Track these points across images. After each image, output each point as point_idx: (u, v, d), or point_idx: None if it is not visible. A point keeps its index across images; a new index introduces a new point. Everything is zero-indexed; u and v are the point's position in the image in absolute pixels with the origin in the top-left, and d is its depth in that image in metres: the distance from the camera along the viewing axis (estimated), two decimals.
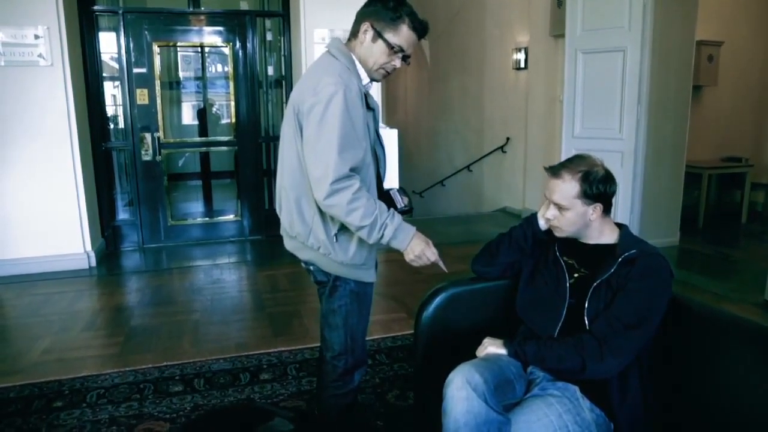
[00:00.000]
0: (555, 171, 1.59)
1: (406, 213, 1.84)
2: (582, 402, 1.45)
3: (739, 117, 6.33)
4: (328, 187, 1.48)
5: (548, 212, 1.63)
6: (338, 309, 1.73)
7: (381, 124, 1.76)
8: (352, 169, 1.51)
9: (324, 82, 1.52)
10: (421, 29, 1.63)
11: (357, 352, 1.79)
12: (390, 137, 1.80)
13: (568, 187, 1.56)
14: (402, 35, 1.61)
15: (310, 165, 1.53)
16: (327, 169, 1.48)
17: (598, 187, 1.54)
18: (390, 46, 1.61)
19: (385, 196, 1.76)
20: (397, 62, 1.65)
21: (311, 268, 1.74)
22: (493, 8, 6.83)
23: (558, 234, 1.65)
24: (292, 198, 1.66)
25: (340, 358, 1.77)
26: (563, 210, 1.58)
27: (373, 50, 1.62)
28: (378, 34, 1.60)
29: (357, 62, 1.64)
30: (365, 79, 1.66)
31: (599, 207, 1.57)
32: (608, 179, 1.57)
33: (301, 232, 1.67)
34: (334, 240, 1.63)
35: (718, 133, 6.18)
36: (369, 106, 1.64)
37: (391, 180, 1.82)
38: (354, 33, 1.66)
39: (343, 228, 1.62)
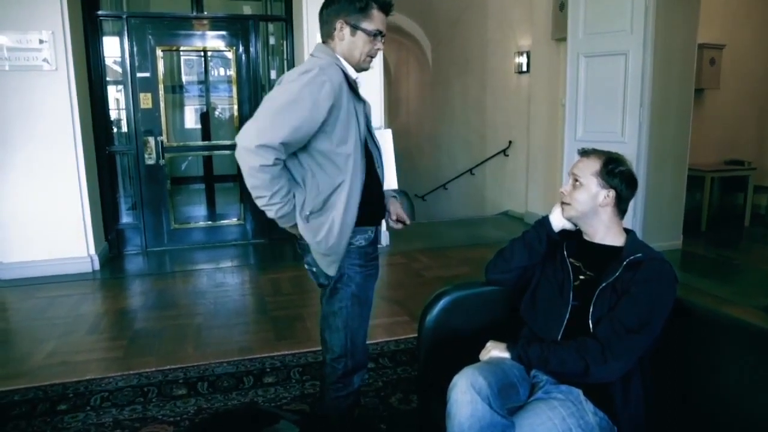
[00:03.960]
0: (587, 152, 1.67)
1: (402, 224, 1.86)
2: (585, 405, 1.45)
3: (741, 120, 6.33)
4: (254, 146, 1.50)
5: (564, 186, 1.68)
6: (339, 311, 1.74)
7: (375, 126, 1.78)
8: (284, 144, 1.53)
9: (302, 65, 1.61)
10: (387, 7, 1.70)
11: (357, 355, 1.80)
12: (384, 137, 1.81)
13: (590, 163, 1.62)
14: (375, 19, 1.67)
15: (257, 113, 1.56)
16: (264, 129, 1.51)
17: (616, 175, 1.58)
18: (369, 34, 1.67)
19: (377, 198, 1.76)
20: (379, 44, 1.72)
21: (314, 269, 1.75)
22: (495, 12, 6.85)
23: (566, 212, 1.67)
24: None
25: (340, 360, 1.78)
26: (578, 185, 1.62)
27: (356, 43, 1.68)
28: (355, 27, 1.66)
29: (341, 59, 1.68)
30: (354, 74, 1.70)
31: (612, 194, 1.59)
32: (629, 179, 1.61)
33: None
34: (306, 222, 1.65)
35: (721, 137, 6.19)
36: (359, 98, 1.68)
37: (390, 181, 1.84)
38: (329, 34, 1.70)
39: (316, 213, 1.63)
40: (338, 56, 1.68)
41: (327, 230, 1.63)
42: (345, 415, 1.85)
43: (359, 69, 1.72)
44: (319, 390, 1.95)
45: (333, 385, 1.81)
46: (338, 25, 1.66)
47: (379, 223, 1.82)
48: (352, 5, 1.64)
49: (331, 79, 1.56)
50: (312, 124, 1.55)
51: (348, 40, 1.67)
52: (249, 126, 1.54)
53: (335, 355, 1.78)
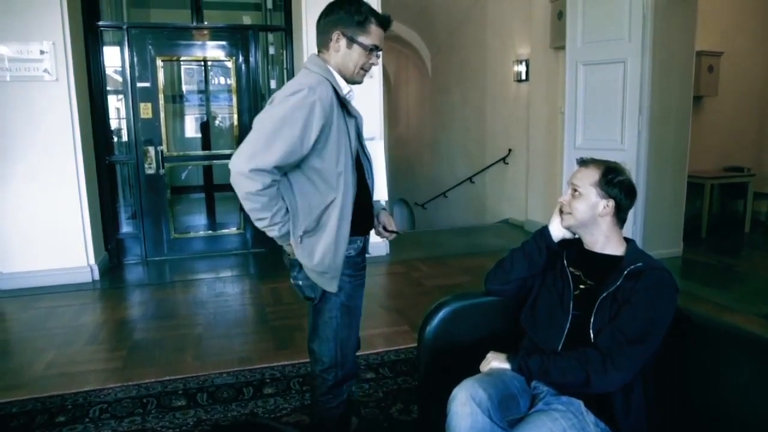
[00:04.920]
0: (585, 161, 1.67)
1: (393, 233, 1.89)
2: (586, 416, 1.44)
3: (740, 127, 6.34)
4: (247, 170, 1.50)
5: (564, 196, 1.68)
6: (329, 321, 1.75)
7: (367, 136, 1.79)
8: (277, 167, 1.54)
9: (292, 84, 1.60)
10: (386, 22, 1.69)
11: (347, 365, 1.81)
12: (375, 148, 1.83)
13: (589, 173, 1.62)
14: (373, 34, 1.67)
15: (249, 137, 1.55)
16: (256, 153, 1.51)
17: (615, 185, 1.58)
18: (366, 48, 1.66)
19: (366, 209, 1.77)
20: (374, 59, 1.71)
21: (300, 283, 1.76)
22: (494, 21, 6.88)
23: (566, 221, 1.66)
24: None
25: (330, 371, 1.79)
26: (577, 195, 1.62)
27: (351, 56, 1.67)
28: (351, 40, 1.65)
29: (334, 72, 1.67)
30: (345, 89, 1.68)
31: (611, 204, 1.59)
32: (628, 188, 1.61)
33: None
34: (299, 242, 1.65)
35: (720, 143, 6.20)
36: (350, 114, 1.67)
37: (380, 191, 1.86)
38: (324, 44, 1.69)
39: (310, 232, 1.63)
40: (331, 69, 1.66)
41: (323, 251, 1.63)
42: (337, 424, 1.85)
43: (352, 82, 1.71)
44: (311, 401, 1.94)
45: (323, 397, 1.82)
46: (335, 36, 1.65)
47: (368, 233, 1.83)
48: (350, 17, 1.63)
49: (321, 99, 1.55)
50: (304, 146, 1.55)
51: (343, 52, 1.66)
52: (241, 150, 1.54)
53: (325, 366, 1.79)
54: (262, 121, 1.56)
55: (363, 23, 1.64)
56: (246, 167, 1.50)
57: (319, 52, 1.72)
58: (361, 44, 1.65)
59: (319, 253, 1.63)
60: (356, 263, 1.76)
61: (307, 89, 1.54)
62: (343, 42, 1.65)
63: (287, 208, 1.61)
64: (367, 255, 1.84)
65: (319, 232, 1.63)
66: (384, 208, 1.92)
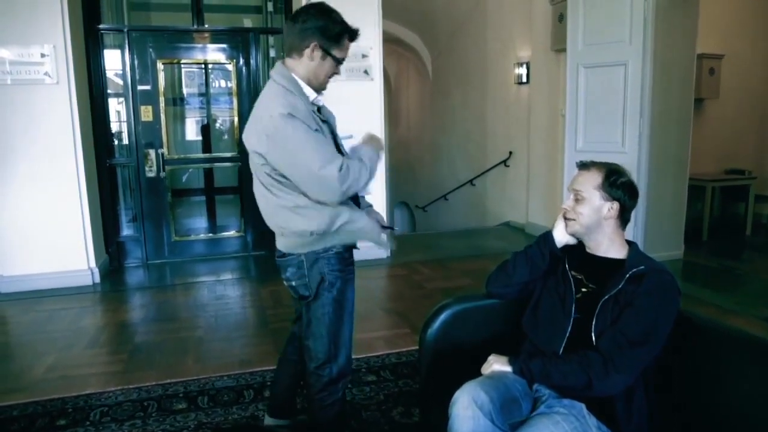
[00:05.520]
0: (585, 164, 1.66)
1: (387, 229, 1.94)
2: (588, 419, 1.44)
3: (741, 129, 6.34)
4: (336, 180, 1.59)
5: (566, 202, 1.67)
6: (321, 317, 1.78)
7: (343, 134, 1.84)
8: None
9: (274, 107, 1.63)
10: (356, 36, 1.76)
11: (341, 361, 1.82)
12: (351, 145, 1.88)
13: (591, 177, 1.61)
14: (345, 48, 1.74)
15: (303, 179, 1.63)
16: (326, 162, 1.59)
17: (618, 187, 1.58)
18: (338, 62, 1.74)
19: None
20: (338, 70, 1.79)
21: (293, 284, 1.79)
22: (495, 23, 6.89)
23: (570, 228, 1.65)
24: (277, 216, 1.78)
25: (324, 367, 1.80)
26: (580, 200, 1.61)
27: (324, 66, 1.73)
28: (326, 53, 1.70)
29: (300, 82, 1.71)
30: (312, 96, 1.74)
31: (616, 206, 1.58)
32: (631, 189, 1.61)
33: (286, 243, 1.78)
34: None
35: (721, 146, 6.19)
36: (323, 120, 1.73)
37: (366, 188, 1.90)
38: (297, 50, 1.71)
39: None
40: (297, 79, 1.71)
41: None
42: (333, 423, 1.85)
43: (320, 89, 1.77)
44: (307, 401, 1.94)
45: (318, 394, 1.83)
46: (312, 45, 1.69)
47: None
48: (328, 31, 1.68)
49: (301, 110, 1.63)
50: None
51: (317, 63, 1.71)
52: (314, 177, 1.61)
53: (319, 363, 1.80)
54: (293, 144, 1.61)
55: (339, 37, 1.70)
56: (335, 176, 1.59)
57: (288, 56, 1.74)
58: (333, 57, 1.72)
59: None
60: (344, 258, 1.80)
61: (290, 107, 1.61)
62: (318, 53, 1.70)
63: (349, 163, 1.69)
64: (355, 250, 1.87)
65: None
66: (370, 205, 1.96)
